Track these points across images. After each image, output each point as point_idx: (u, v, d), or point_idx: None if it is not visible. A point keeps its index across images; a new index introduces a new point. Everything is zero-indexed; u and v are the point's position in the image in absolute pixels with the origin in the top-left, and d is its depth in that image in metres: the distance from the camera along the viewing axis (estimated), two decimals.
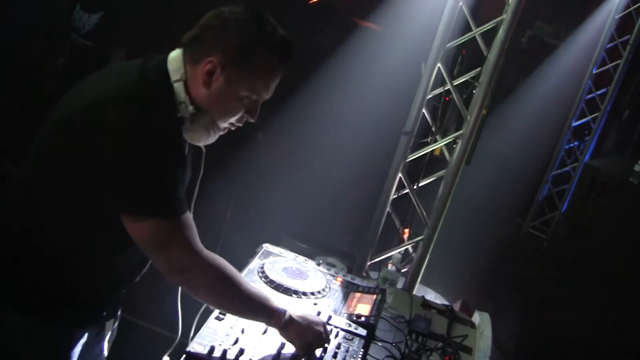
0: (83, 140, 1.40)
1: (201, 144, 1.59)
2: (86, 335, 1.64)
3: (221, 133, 1.60)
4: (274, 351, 1.61)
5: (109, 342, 1.79)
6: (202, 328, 1.61)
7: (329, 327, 1.75)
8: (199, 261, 1.47)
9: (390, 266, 2.76)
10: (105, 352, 1.78)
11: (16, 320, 1.54)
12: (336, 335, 1.77)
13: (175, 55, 1.52)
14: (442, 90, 3.11)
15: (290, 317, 1.61)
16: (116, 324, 1.81)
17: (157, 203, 1.41)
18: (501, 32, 2.81)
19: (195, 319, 1.69)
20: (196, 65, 1.50)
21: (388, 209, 3.16)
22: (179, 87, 1.50)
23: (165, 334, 2.72)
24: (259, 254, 2.14)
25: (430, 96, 3.06)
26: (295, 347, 1.63)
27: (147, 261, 1.68)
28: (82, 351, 1.64)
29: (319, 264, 2.20)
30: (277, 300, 1.63)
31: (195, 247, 1.47)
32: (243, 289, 1.54)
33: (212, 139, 1.58)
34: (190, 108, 1.50)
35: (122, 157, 1.38)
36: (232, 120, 1.58)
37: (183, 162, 1.53)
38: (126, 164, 1.38)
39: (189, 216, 1.48)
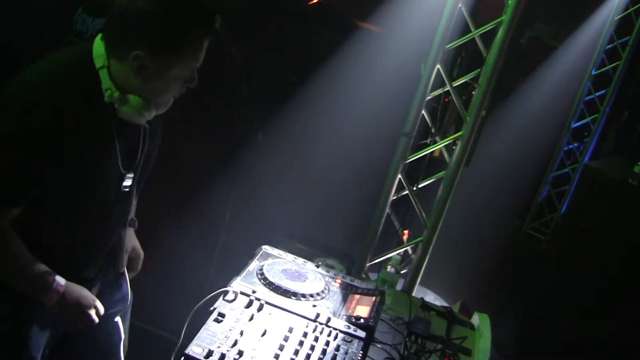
0: None
1: (141, 122, 1.64)
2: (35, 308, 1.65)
3: (163, 108, 1.65)
4: (273, 353, 1.61)
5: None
6: (201, 330, 1.61)
7: (319, 328, 1.75)
8: None
9: (389, 268, 2.75)
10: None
11: None
12: (335, 337, 1.77)
13: (98, 45, 1.55)
14: (441, 92, 3.11)
15: (61, 298, 1.60)
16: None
17: None
18: (500, 33, 2.81)
19: (187, 320, 1.70)
20: (121, 59, 1.52)
21: (387, 210, 3.16)
22: (104, 74, 1.53)
23: (165, 335, 2.72)
24: (258, 255, 2.14)
25: (429, 97, 3.06)
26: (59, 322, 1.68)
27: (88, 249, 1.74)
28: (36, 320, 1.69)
29: (318, 266, 2.20)
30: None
31: None
32: (18, 258, 1.55)
33: (149, 115, 1.62)
34: (117, 93, 1.53)
35: None
36: (172, 95, 1.63)
37: (87, 146, 1.53)
38: None
39: (9, 210, 1.50)
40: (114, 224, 1.80)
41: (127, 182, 1.72)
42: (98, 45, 1.54)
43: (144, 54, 1.48)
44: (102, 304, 1.76)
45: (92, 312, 1.69)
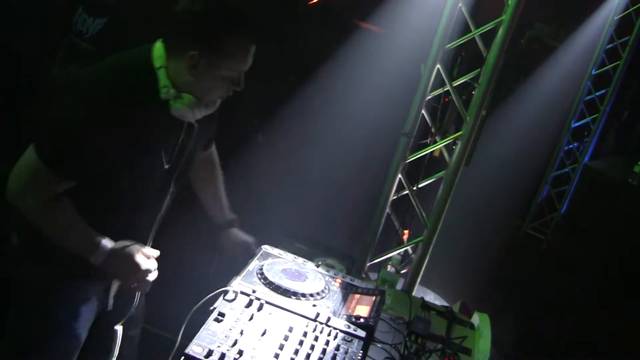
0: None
1: (190, 119, 1.81)
2: (86, 287, 1.89)
3: (211, 108, 1.85)
4: (273, 353, 1.61)
5: (114, 297, 1.98)
6: (201, 330, 1.61)
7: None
8: (33, 204, 1.70)
9: (389, 267, 2.75)
10: (110, 306, 1.98)
11: (32, 267, 1.82)
12: (335, 337, 1.77)
13: (159, 45, 1.75)
14: (441, 92, 3.11)
15: (109, 255, 1.75)
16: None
17: (47, 147, 1.66)
18: (500, 33, 2.81)
19: (185, 320, 1.70)
20: (178, 58, 1.70)
21: (387, 210, 3.16)
22: (162, 73, 1.72)
23: (165, 335, 2.71)
24: (258, 255, 2.14)
25: (429, 97, 3.06)
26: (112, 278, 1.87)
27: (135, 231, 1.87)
28: (82, 298, 1.90)
29: (318, 266, 2.19)
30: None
31: (37, 194, 1.68)
32: (73, 233, 1.75)
33: (198, 113, 1.81)
34: (173, 91, 1.72)
35: (61, 116, 1.68)
36: (220, 95, 1.82)
37: (139, 138, 1.70)
38: (58, 119, 1.68)
39: (61, 182, 1.68)
40: (144, 217, 1.92)
41: (164, 176, 1.86)
42: (158, 48, 1.74)
43: (197, 53, 1.67)
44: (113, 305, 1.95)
45: (143, 264, 1.79)
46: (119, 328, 1.95)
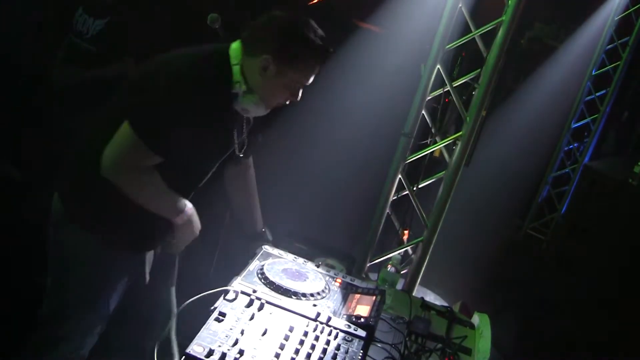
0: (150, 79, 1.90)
1: (250, 115, 2.05)
2: (126, 259, 2.07)
3: (268, 110, 2.03)
4: (273, 352, 1.61)
5: (149, 273, 2.19)
6: (202, 329, 1.61)
7: (320, 327, 1.77)
8: (128, 175, 1.86)
9: (389, 267, 2.75)
10: (147, 278, 2.19)
11: (77, 234, 1.97)
12: (335, 337, 1.77)
13: (236, 45, 1.95)
14: (441, 92, 3.11)
15: (188, 219, 1.98)
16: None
17: (145, 124, 1.81)
18: (500, 33, 2.82)
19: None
20: (253, 59, 1.90)
21: (387, 210, 3.16)
22: (236, 69, 1.92)
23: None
24: (259, 255, 2.15)
25: (429, 98, 3.06)
26: (173, 238, 2.02)
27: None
28: (122, 268, 2.07)
29: (318, 266, 2.20)
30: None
31: (133, 166, 1.85)
32: (162, 199, 1.95)
33: (260, 112, 2.02)
34: (244, 87, 1.92)
35: (156, 95, 1.84)
36: (279, 101, 2.01)
37: (213, 125, 1.93)
38: (156, 99, 1.83)
39: (151, 153, 1.83)
40: (190, 193, 2.11)
41: (217, 160, 2.10)
42: (235, 48, 1.94)
43: (271, 59, 1.88)
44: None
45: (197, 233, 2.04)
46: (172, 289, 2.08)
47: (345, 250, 3.28)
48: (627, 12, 5.29)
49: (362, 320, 1.87)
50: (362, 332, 1.82)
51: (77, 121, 3.78)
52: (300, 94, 2.02)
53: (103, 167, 1.83)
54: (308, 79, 2.00)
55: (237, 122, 2.06)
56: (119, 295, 2.11)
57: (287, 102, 2.03)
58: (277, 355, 1.61)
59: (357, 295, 2.05)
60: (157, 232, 2.09)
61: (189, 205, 1.99)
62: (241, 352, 1.56)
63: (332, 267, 2.29)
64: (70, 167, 2.06)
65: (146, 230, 2.04)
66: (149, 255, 2.18)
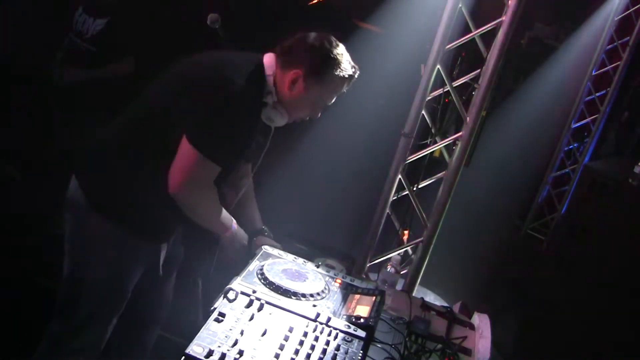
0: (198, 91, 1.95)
1: (272, 125, 2.16)
2: (147, 249, 2.16)
3: (289, 122, 2.16)
4: (273, 353, 1.61)
5: (163, 267, 2.26)
6: (201, 330, 1.61)
7: (320, 327, 1.76)
8: (202, 196, 1.99)
9: (389, 268, 2.75)
10: (161, 273, 2.27)
11: (101, 224, 2.04)
12: (335, 337, 1.77)
13: (269, 56, 2.09)
14: (441, 92, 3.11)
15: (234, 233, 2.15)
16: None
17: (207, 141, 1.91)
18: (500, 33, 2.81)
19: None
20: (284, 71, 2.05)
21: (387, 210, 3.16)
22: (270, 79, 2.05)
23: (165, 335, 2.72)
24: (258, 255, 2.14)
25: (429, 98, 3.06)
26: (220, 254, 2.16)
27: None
28: (142, 258, 2.17)
29: (318, 266, 2.20)
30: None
31: (202, 184, 1.96)
32: (220, 215, 2.09)
33: (281, 123, 2.15)
34: (275, 97, 2.06)
35: (209, 106, 1.92)
36: (301, 115, 2.16)
37: (252, 132, 2.06)
38: (211, 111, 1.92)
39: (217, 167, 1.95)
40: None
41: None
42: (269, 59, 2.08)
43: (301, 74, 2.04)
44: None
45: (242, 251, 2.18)
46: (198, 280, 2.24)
47: (345, 251, 3.28)
48: (627, 12, 5.28)
49: (362, 320, 1.86)
50: (361, 333, 1.82)
51: (76, 121, 3.80)
52: (320, 113, 2.17)
53: (175, 191, 1.93)
54: (331, 98, 2.16)
55: (264, 130, 2.21)
56: (133, 285, 2.19)
57: (307, 118, 2.17)
58: (277, 356, 1.60)
59: (357, 296, 2.04)
60: (173, 224, 2.22)
61: (234, 221, 2.14)
62: (241, 353, 1.56)
63: (332, 268, 2.29)
64: (97, 159, 2.11)
65: (165, 221, 2.16)
66: (164, 248, 2.26)
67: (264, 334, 1.66)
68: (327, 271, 2.19)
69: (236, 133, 1.96)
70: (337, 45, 2.10)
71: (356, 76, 2.14)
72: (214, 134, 1.92)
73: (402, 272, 3.15)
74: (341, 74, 2.09)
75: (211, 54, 2.12)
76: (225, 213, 2.11)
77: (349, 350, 1.73)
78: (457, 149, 2.96)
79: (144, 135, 2.03)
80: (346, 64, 2.09)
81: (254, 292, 1.84)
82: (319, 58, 2.05)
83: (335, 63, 2.06)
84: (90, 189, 2.08)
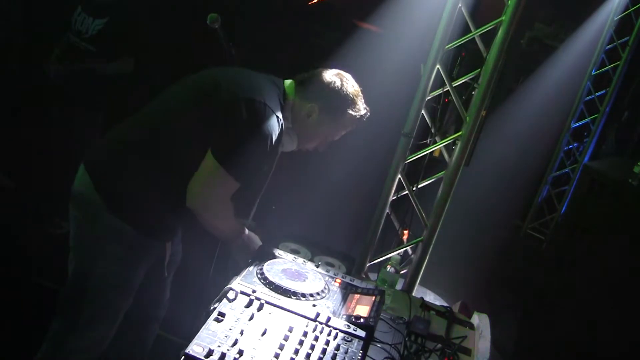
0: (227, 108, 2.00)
1: (281, 149, 2.20)
2: (154, 247, 2.20)
3: (295, 149, 2.28)
4: (273, 352, 1.61)
5: (167, 266, 2.34)
6: (201, 330, 1.61)
7: (324, 327, 1.76)
8: (220, 209, 2.06)
9: (389, 267, 2.75)
10: (166, 273, 2.35)
11: (114, 224, 2.05)
12: (335, 337, 1.77)
13: (290, 83, 2.21)
14: (441, 92, 3.11)
15: (242, 242, 2.20)
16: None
17: (232, 158, 1.97)
18: (500, 33, 2.81)
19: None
20: (302, 102, 2.18)
21: (387, 210, 3.16)
22: (289, 105, 2.16)
23: (165, 335, 2.72)
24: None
25: (429, 97, 3.06)
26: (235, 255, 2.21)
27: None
28: (148, 257, 2.19)
29: (317, 266, 2.20)
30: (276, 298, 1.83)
31: (221, 199, 2.04)
32: (233, 227, 2.18)
33: (290, 149, 2.26)
34: (290, 124, 2.17)
35: (240, 126, 1.99)
36: (308, 147, 2.28)
37: (273, 154, 2.12)
38: (240, 131, 1.99)
39: (237, 184, 2.02)
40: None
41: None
42: (289, 86, 2.20)
43: (317, 108, 2.16)
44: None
45: (254, 253, 2.19)
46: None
47: (345, 251, 3.28)
48: (626, 12, 5.28)
49: (362, 320, 1.86)
50: (361, 332, 1.82)
51: (77, 120, 3.79)
52: (326, 148, 2.29)
53: (195, 203, 2.00)
54: (340, 134, 2.27)
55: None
56: (139, 283, 2.22)
57: (312, 150, 2.28)
58: (277, 356, 1.60)
59: (357, 296, 2.05)
60: (182, 225, 2.29)
61: (245, 232, 2.20)
62: (240, 352, 1.56)
63: (332, 267, 2.29)
64: (117, 162, 2.11)
65: (176, 222, 2.23)
66: (169, 247, 2.32)
67: (263, 333, 1.67)
68: (327, 271, 2.19)
69: (260, 153, 2.01)
70: (354, 84, 2.21)
71: (366, 117, 2.26)
72: (240, 152, 1.98)
73: (402, 272, 3.15)
74: (354, 114, 2.20)
75: (241, 71, 2.19)
76: (237, 225, 2.18)
77: (349, 350, 1.73)
78: (457, 149, 2.96)
79: (168, 145, 2.06)
80: (360, 105, 2.21)
81: (254, 291, 1.84)
82: (334, 97, 2.16)
83: (350, 103, 2.18)
84: (108, 191, 2.08)
